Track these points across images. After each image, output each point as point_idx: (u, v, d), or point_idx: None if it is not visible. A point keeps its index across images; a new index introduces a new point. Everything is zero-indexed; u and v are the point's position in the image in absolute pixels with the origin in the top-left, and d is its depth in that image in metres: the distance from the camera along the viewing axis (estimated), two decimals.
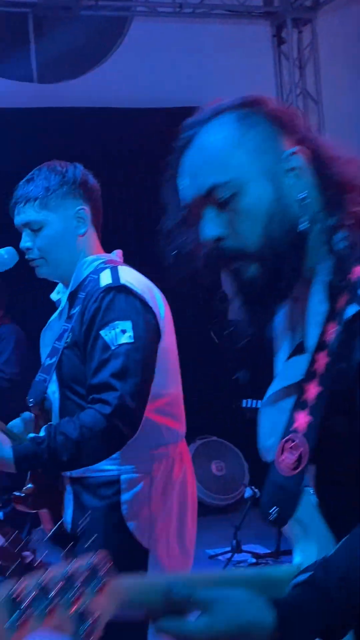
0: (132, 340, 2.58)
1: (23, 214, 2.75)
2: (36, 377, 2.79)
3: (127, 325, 2.59)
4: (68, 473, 2.71)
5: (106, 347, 2.58)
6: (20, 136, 8.21)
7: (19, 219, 2.77)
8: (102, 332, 2.59)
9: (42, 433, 2.58)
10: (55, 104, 8.48)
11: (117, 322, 2.59)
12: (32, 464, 2.57)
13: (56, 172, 2.76)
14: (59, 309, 2.83)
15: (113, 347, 2.57)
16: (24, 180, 2.78)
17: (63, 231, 2.75)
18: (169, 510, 2.70)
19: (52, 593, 1.45)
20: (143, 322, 2.63)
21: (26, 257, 2.79)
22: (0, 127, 8.23)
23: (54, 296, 2.93)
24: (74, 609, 1.45)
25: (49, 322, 2.92)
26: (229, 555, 6.25)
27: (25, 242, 2.76)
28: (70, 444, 2.50)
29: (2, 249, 2.89)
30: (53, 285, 2.97)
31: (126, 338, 2.57)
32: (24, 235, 2.77)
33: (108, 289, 2.64)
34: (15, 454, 2.54)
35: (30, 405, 2.78)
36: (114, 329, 2.58)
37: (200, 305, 8.54)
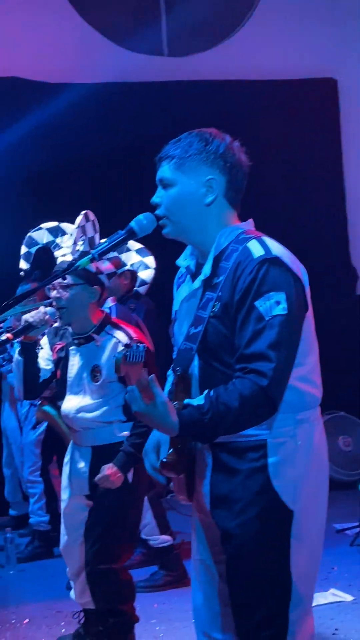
0: (286, 312, 2.63)
1: (160, 170, 2.84)
2: (181, 346, 2.82)
3: (281, 296, 2.64)
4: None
5: (260, 318, 2.62)
6: (151, 110, 8.27)
7: (157, 174, 2.86)
8: (256, 303, 2.64)
9: (201, 401, 2.63)
10: (186, 77, 8.51)
11: (271, 293, 2.64)
12: (194, 431, 2.65)
13: (201, 139, 2.81)
14: (201, 277, 2.83)
15: (267, 318, 2.62)
16: (175, 139, 2.83)
17: (189, 195, 2.79)
18: (309, 473, 2.75)
19: None
20: (295, 293, 2.68)
21: (154, 212, 2.84)
22: (131, 101, 8.32)
23: (180, 262, 2.96)
24: None
25: (183, 289, 2.93)
26: (356, 530, 6.20)
27: (156, 197, 2.85)
28: (230, 414, 2.59)
29: (141, 215, 2.93)
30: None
31: (280, 310, 2.62)
32: (157, 190, 2.83)
33: (263, 260, 2.68)
34: (182, 422, 2.62)
35: (177, 373, 2.81)
36: (268, 300, 2.63)
37: (329, 280, 8.46)
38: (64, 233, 4.36)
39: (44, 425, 6.57)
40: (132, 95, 8.36)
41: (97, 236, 4.15)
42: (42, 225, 4.40)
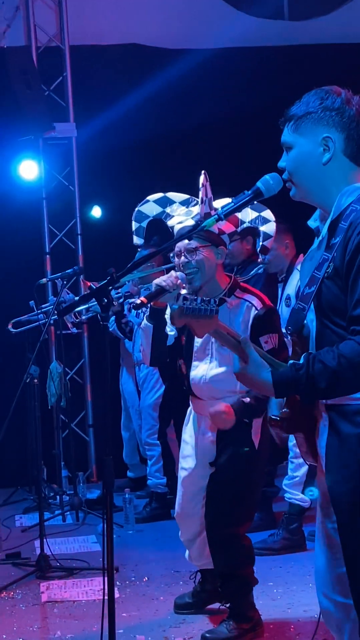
0: None
1: (283, 133, 2.81)
2: (294, 305, 2.81)
3: None
4: (324, 400, 2.72)
5: None
6: (272, 75, 8.19)
7: (281, 138, 2.81)
8: None
9: (301, 360, 2.61)
10: (307, 41, 8.38)
11: None
12: (290, 389, 2.64)
13: (318, 97, 2.73)
14: (319, 238, 2.81)
15: None
16: (298, 100, 2.79)
17: (307, 156, 2.74)
18: None
19: None
20: None
21: (282, 177, 2.82)
22: (252, 65, 8.25)
23: (311, 223, 2.93)
24: None
25: (309, 251, 2.91)
26: None
27: (281, 161, 2.82)
28: (328, 372, 2.55)
29: (267, 175, 2.92)
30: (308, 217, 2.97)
31: None
32: (283, 155, 2.81)
33: None
34: (275, 378, 2.62)
35: (289, 332, 2.80)
36: None
37: None
38: (172, 202, 4.35)
39: (161, 389, 6.66)
40: (253, 60, 8.28)
41: (212, 198, 4.13)
42: (148, 198, 4.40)
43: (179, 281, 4.00)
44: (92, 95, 8.07)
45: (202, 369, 4.21)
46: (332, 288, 2.66)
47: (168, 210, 4.30)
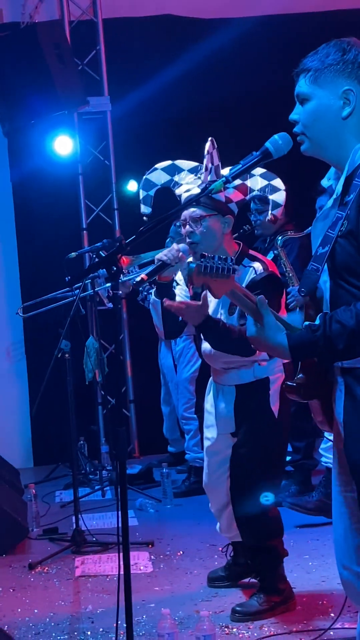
0: None
1: (297, 85, 2.71)
2: (308, 267, 2.72)
3: None
4: (339, 363, 2.63)
5: None
6: (313, 42, 7.97)
7: (295, 90, 2.72)
8: None
9: (317, 321, 2.52)
10: (346, 6, 8.19)
11: None
12: (307, 352, 2.55)
13: (338, 49, 2.63)
14: (334, 196, 2.71)
15: None
16: (313, 51, 2.68)
17: (325, 109, 2.63)
18: None
19: None
20: None
21: (293, 130, 2.71)
22: (293, 33, 8.05)
23: (324, 182, 2.83)
24: None
25: (322, 210, 2.82)
26: None
27: (293, 114, 2.71)
28: (346, 332, 2.46)
29: (276, 135, 2.83)
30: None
31: None
32: (295, 107, 2.70)
33: None
34: (290, 341, 2.54)
35: (302, 295, 2.72)
36: None
37: None
38: (180, 170, 4.28)
39: (197, 363, 6.60)
40: (294, 28, 8.09)
41: (220, 166, 4.04)
42: (156, 166, 4.33)
43: (181, 253, 3.92)
44: (127, 68, 8.00)
45: None
46: (346, 247, 2.57)
47: (176, 178, 4.23)
